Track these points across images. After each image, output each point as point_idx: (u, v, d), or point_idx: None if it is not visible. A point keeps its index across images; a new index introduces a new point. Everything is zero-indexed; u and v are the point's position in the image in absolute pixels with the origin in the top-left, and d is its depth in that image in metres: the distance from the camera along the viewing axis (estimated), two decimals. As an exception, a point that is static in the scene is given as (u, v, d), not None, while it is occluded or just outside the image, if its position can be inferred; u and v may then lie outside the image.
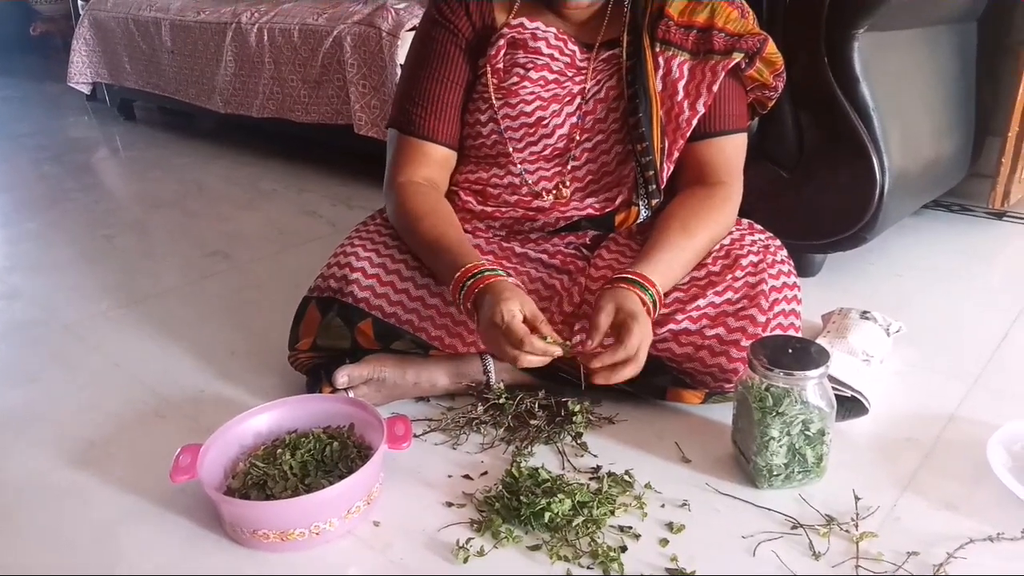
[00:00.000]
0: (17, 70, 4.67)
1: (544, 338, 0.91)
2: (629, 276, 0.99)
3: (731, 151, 1.13)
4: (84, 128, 3.26)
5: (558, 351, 0.92)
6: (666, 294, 1.03)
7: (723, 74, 1.08)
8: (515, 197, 1.16)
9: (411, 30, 1.97)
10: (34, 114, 3.56)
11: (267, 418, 1.01)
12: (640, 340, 0.91)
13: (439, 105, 1.15)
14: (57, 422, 1.13)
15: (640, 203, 1.13)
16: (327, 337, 1.08)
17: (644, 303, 0.96)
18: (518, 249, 1.16)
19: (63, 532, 0.91)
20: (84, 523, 0.92)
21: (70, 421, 1.13)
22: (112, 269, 1.73)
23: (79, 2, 3.30)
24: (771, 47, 1.10)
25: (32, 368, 1.30)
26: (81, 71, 3.25)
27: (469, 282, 0.97)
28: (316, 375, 1.11)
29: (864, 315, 1.22)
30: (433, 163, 1.16)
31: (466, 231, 1.16)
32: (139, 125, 3.25)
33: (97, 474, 1.00)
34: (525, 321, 0.92)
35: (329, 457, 0.95)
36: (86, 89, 3.32)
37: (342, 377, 1.06)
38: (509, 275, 0.99)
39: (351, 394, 1.06)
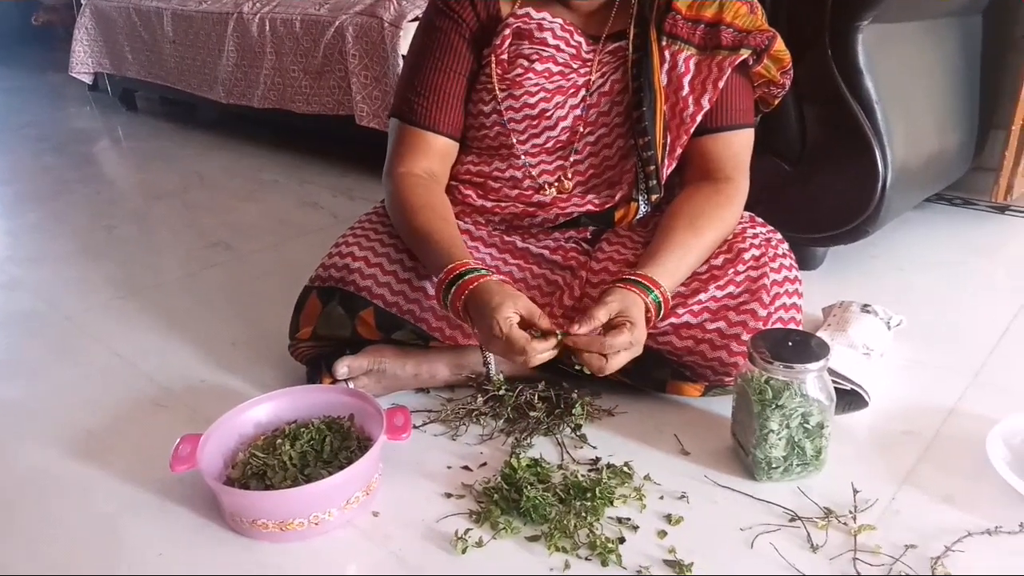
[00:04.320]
0: (19, 60, 4.67)
1: (548, 333, 0.91)
2: (637, 279, 0.97)
3: (738, 146, 1.12)
4: (86, 118, 3.26)
5: (556, 341, 0.91)
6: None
7: (730, 70, 1.07)
8: (516, 191, 1.16)
9: (413, 20, 1.97)
10: (36, 105, 3.55)
11: (267, 408, 1.01)
12: (624, 344, 0.90)
13: (442, 95, 1.14)
14: (57, 412, 1.13)
15: (640, 198, 1.12)
16: (327, 326, 1.08)
17: (648, 309, 0.96)
18: (519, 244, 1.16)
19: (64, 522, 0.91)
20: (85, 513, 0.92)
21: (70, 411, 1.13)
22: (113, 260, 1.73)
23: (81, -9, 3.29)
24: (779, 44, 1.09)
25: (33, 359, 1.30)
26: (83, 61, 3.25)
27: (454, 287, 0.95)
28: (316, 366, 1.11)
29: (865, 308, 1.22)
30: (434, 154, 1.15)
31: (466, 225, 1.16)
32: (141, 115, 3.25)
33: (97, 464, 1.01)
34: (522, 321, 0.92)
35: (329, 447, 0.95)
36: (88, 79, 3.32)
37: (342, 368, 1.06)
38: (491, 273, 0.97)
39: (351, 385, 1.07)
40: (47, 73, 4.10)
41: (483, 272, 0.96)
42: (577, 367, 0.95)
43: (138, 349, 1.31)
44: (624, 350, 0.91)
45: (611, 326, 0.92)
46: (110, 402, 1.15)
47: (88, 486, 0.97)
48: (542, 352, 0.90)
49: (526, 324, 0.92)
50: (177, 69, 2.82)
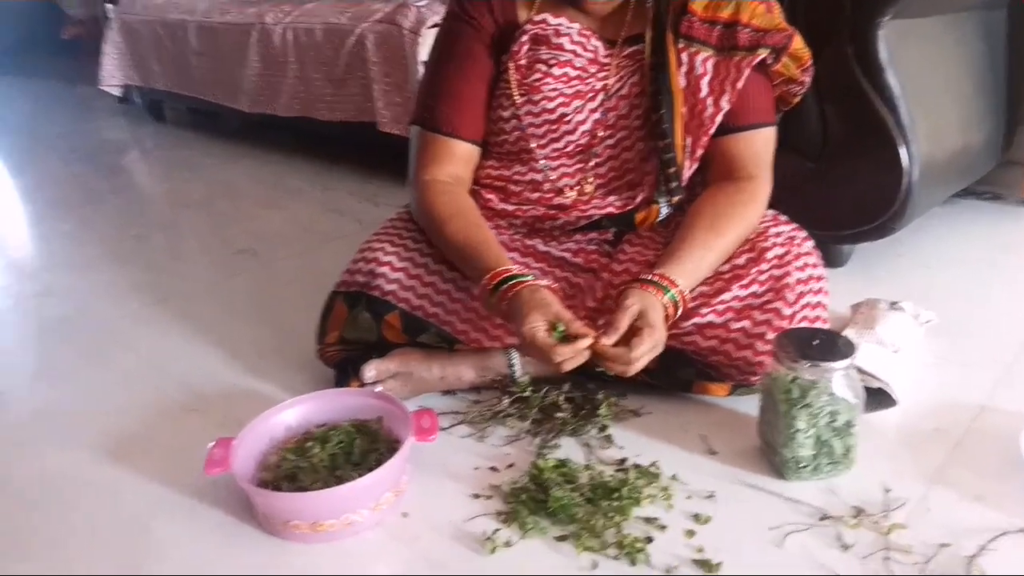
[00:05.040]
0: (49, 73, 4.76)
1: (577, 337, 0.92)
2: (654, 279, 0.98)
3: (760, 145, 1.12)
4: (115, 129, 3.32)
5: (588, 343, 0.92)
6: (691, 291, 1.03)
7: (748, 71, 1.07)
8: (537, 195, 1.16)
9: (433, 27, 1.98)
10: (66, 116, 3.63)
11: (297, 412, 1.02)
12: (646, 352, 0.92)
13: (463, 101, 1.15)
14: (92, 417, 1.16)
15: (661, 200, 1.12)
16: (354, 331, 1.09)
17: (666, 308, 0.97)
18: (541, 247, 1.17)
19: (97, 524, 0.93)
20: (118, 515, 0.94)
21: (103, 416, 1.15)
22: (142, 268, 1.76)
23: (107, 5, 3.34)
24: (798, 42, 1.08)
25: (65, 364, 1.33)
26: (112, 73, 3.30)
27: (494, 296, 0.98)
28: (344, 370, 1.13)
29: (893, 306, 1.21)
30: (457, 159, 1.16)
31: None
32: (168, 126, 3.30)
33: (132, 468, 1.03)
34: (552, 328, 0.93)
35: (358, 450, 0.96)
36: (117, 91, 3.38)
37: (370, 371, 1.08)
38: (535, 276, 1.00)
39: (379, 388, 1.08)
40: (77, 85, 4.17)
41: (521, 279, 0.98)
42: (599, 369, 0.96)
43: (168, 354, 1.34)
44: (628, 363, 0.93)
45: (631, 330, 0.93)
46: (141, 406, 1.17)
47: (121, 489, 0.99)
48: (568, 355, 0.91)
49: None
50: (203, 80, 2.86)
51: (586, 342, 0.92)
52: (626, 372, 0.93)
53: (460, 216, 1.09)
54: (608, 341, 0.92)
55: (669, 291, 0.97)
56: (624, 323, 0.93)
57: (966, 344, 1.23)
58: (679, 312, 0.99)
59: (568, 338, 0.92)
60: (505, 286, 0.98)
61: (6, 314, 1.58)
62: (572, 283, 1.13)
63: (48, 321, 1.51)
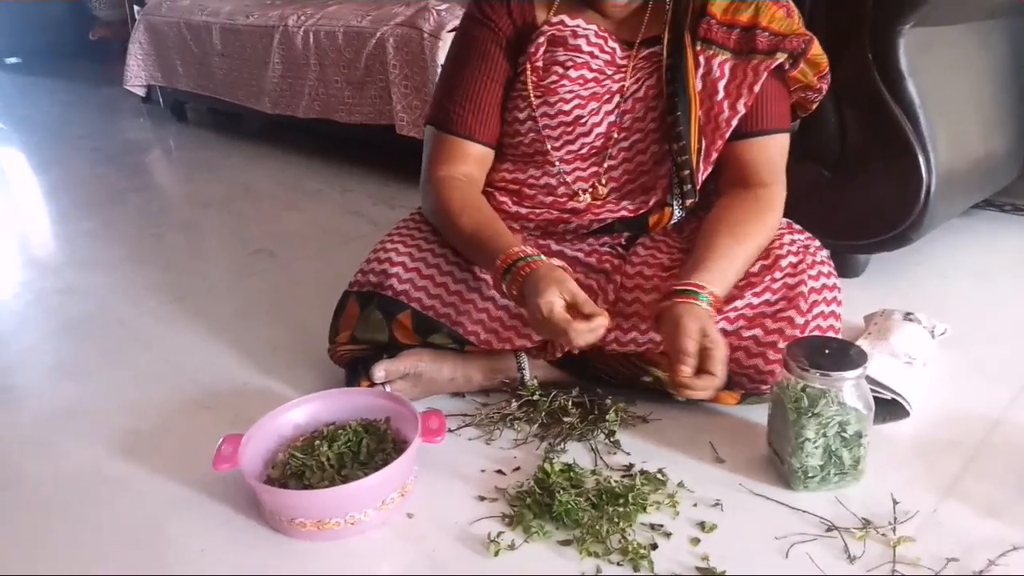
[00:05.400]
0: (76, 74, 4.84)
1: (592, 316, 0.93)
2: (693, 289, 0.97)
3: (775, 151, 1.12)
4: (138, 130, 3.37)
5: (604, 321, 0.93)
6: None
7: (765, 74, 1.06)
8: (551, 198, 1.16)
9: (452, 31, 1.99)
10: (91, 116, 3.68)
11: (306, 410, 1.03)
12: (725, 368, 0.94)
13: (478, 103, 1.16)
14: (106, 413, 1.17)
15: (674, 203, 1.12)
16: (365, 330, 1.10)
17: (711, 316, 0.97)
18: (554, 247, 1.17)
19: (109, 519, 0.95)
20: (129, 510, 0.96)
21: (119, 412, 1.17)
22: (162, 267, 1.78)
23: (135, 7, 3.40)
24: (816, 48, 1.08)
25: (86, 361, 1.35)
26: (136, 74, 3.35)
27: (508, 275, 0.99)
28: (354, 369, 1.13)
29: (908, 316, 1.19)
30: (471, 160, 1.17)
31: None
32: (190, 126, 3.34)
33: (144, 463, 1.04)
34: (569, 306, 0.93)
35: (365, 449, 0.97)
36: (141, 91, 3.43)
37: (379, 371, 1.08)
38: (544, 258, 1.00)
39: (388, 388, 1.08)
40: (102, 87, 4.24)
41: (535, 258, 0.99)
42: (671, 391, 0.99)
43: (184, 352, 1.35)
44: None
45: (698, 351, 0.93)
46: (156, 403, 1.19)
47: (133, 484, 1.00)
48: (584, 332, 0.91)
49: (572, 309, 0.94)
50: (225, 81, 2.90)
51: (602, 321, 0.92)
52: (709, 395, 0.95)
53: (473, 208, 1.10)
54: (689, 371, 0.92)
55: (707, 298, 0.97)
56: (694, 346, 0.92)
57: (982, 356, 1.21)
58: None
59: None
60: (520, 263, 0.98)
61: (28, 310, 1.61)
62: (584, 284, 1.13)
63: (72, 319, 1.53)
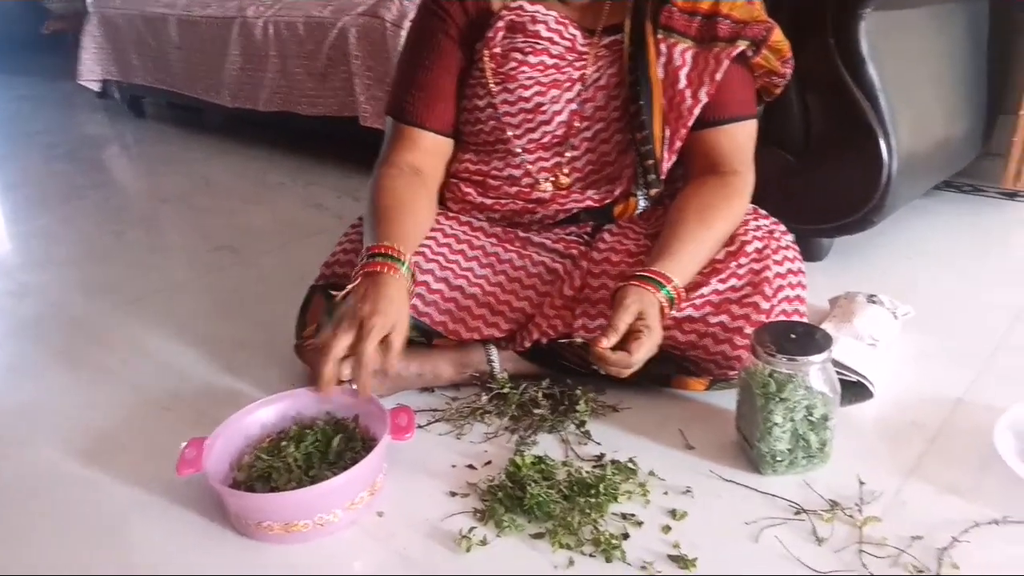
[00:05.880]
0: (30, 69, 4.70)
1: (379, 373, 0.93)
2: (650, 275, 0.98)
3: (743, 138, 1.12)
4: (95, 125, 3.29)
5: (344, 388, 0.94)
6: None
7: (727, 62, 1.06)
8: (515, 188, 1.16)
9: (414, 20, 1.96)
10: (47, 112, 3.58)
11: (272, 410, 1.01)
12: (645, 355, 0.92)
13: (430, 92, 1.14)
14: (66, 416, 1.14)
15: (639, 193, 1.12)
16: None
17: (661, 305, 0.97)
18: (520, 233, 1.16)
19: (70, 523, 0.92)
20: (91, 514, 0.93)
21: (78, 415, 1.14)
22: (121, 264, 1.74)
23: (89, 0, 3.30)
24: (777, 35, 1.08)
25: (41, 363, 1.31)
26: (91, 68, 3.26)
27: (373, 258, 0.97)
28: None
29: (871, 299, 1.21)
30: (421, 150, 1.15)
31: (466, 216, 1.17)
32: (149, 121, 3.27)
33: (105, 467, 1.01)
34: (384, 341, 0.92)
35: (334, 449, 0.95)
36: (95, 87, 3.34)
37: (347, 369, 1.06)
38: (412, 276, 1.00)
39: (355, 386, 1.07)
40: (58, 81, 4.12)
41: (403, 266, 0.98)
42: (594, 367, 0.96)
43: (145, 352, 1.32)
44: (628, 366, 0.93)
45: (629, 331, 0.93)
46: (117, 404, 1.16)
47: (95, 488, 0.98)
48: (329, 375, 0.91)
49: (385, 348, 0.93)
50: (183, 74, 2.84)
51: (353, 388, 0.92)
52: (622, 374, 0.93)
53: (390, 193, 1.09)
54: (608, 343, 0.92)
55: (665, 287, 0.97)
56: (624, 324, 0.93)
57: (944, 337, 1.23)
58: (673, 308, 0.99)
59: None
60: (376, 260, 0.97)
61: (-19, 313, 1.56)
62: (550, 268, 1.13)
63: (25, 320, 1.49)
